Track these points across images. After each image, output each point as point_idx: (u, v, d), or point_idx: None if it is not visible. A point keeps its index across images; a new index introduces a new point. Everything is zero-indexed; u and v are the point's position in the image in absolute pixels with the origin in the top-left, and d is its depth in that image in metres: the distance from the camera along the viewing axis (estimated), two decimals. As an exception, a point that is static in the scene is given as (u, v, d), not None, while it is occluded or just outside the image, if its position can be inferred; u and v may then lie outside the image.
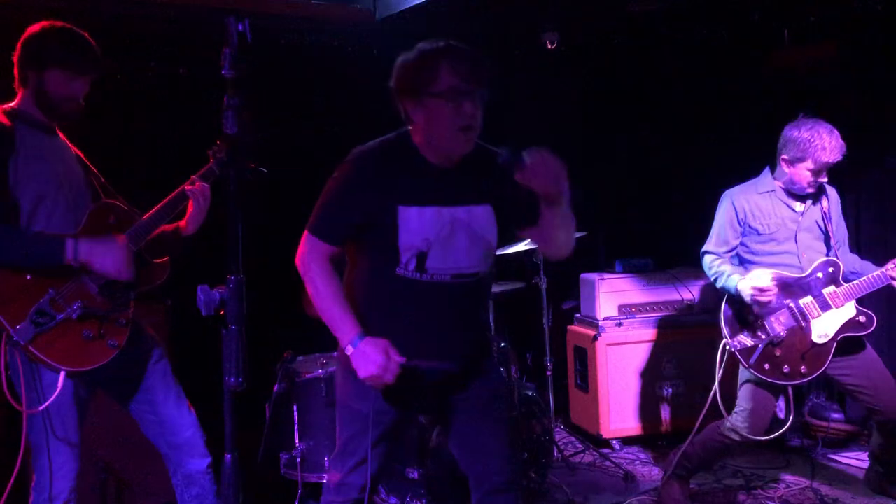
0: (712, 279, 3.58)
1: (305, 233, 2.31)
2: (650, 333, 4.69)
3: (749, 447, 4.27)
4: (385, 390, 2.30)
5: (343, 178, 2.28)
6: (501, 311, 4.28)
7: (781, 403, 4.43)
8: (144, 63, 4.38)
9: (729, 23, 4.80)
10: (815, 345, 3.41)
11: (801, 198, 3.52)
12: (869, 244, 4.47)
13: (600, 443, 4.60)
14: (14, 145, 2.44)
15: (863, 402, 3.52)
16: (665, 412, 4.65)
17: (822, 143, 3.32)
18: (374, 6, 4.56)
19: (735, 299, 3.47)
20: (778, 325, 3.42)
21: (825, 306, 3.42)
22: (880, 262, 3.49)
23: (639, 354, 4.67)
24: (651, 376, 4.67)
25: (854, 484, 3.90)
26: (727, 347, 3.44)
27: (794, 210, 3.52)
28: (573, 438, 4.65)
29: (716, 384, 3.45)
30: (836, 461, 4.27)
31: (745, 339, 3.43)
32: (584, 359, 4.77)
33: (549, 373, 4.54)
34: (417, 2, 4.32)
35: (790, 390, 3.50)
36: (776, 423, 3.54)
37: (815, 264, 3.47)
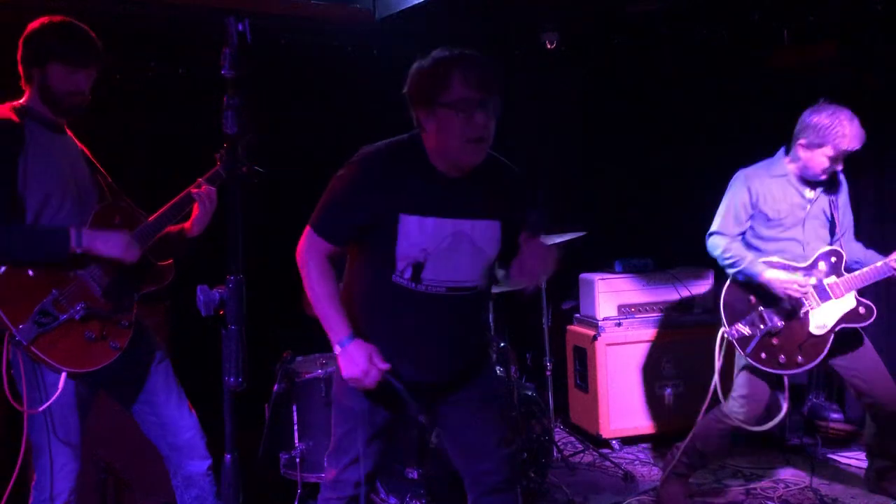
0: (725, 262, 3.49)
1: (308, 228, 2.30)
2: (650, 333, 4.69)
3: (748, 445, 4.29)
4: (377, 390, 2.29)
5: (349, 177, 2.26)
6: (501, 311, 4.28)
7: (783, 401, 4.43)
8: (144, 63, 4.38)
9: (729, 23, 4.80)
10: (812, 335, 3.43)
11: (812, 184, 3.49)
12: (868, 244, 4.46)
13: (600, 443, 4.61)
14: (23, 143, 2.44)
15: (856, 389, 3.54)
16: (664, 412, 4.65)
17: (842, 129, 3.29)
18: (373, 6, 4.56)
19: (736, 287, 3.48)
20: (776, 314, 3.43)
21: (825, 297, 3.43)
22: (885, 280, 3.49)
23: (638, 354, 4.67)
24: (650, 376, 4.67)
25: (853, 483, 3.90)
26: (725, 335, 3.45)
27: (804, 196, 3.49)
28: (573, 438, 4.65)
29: (715, 374, 3.45)
30: (836, 461, 4.27)
31: (743, 328, 3.44)
32: (584, 359, 4.78)
33: (548, 373, 4.54)
34: (417, 2, 4.32)
35: (786, 380, 3.50)
36: (773, 414, 3.55)
37: (818, 253, 3.47)
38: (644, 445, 4.66)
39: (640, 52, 5.28)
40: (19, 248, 2.40)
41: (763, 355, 3.42)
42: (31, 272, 2.42)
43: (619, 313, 4.70)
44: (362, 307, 2.34)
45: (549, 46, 5.15)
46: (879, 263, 3.42)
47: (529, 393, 3.90)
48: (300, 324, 3.25)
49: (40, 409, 2.43)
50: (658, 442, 4.62)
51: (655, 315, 4.72)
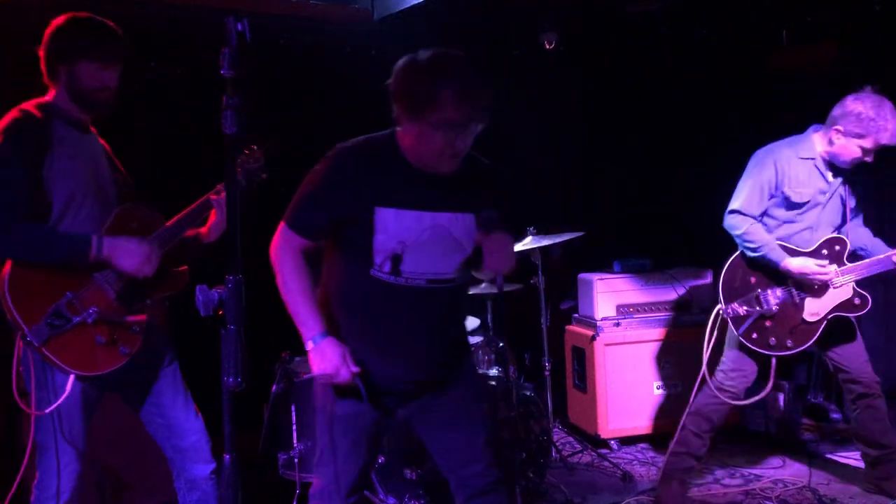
0: (745, 245, 3.47)
1: (281, 224, 2.29)
2: (648, 333, 4.69)
3: (746, 445, 4.30)
4: (356, 394, 2.27)
5: (323, 172, 2.26)
6: (500, 311, 4.28)
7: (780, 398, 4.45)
8: (144, 63, 4.38)
9: (728, 23, 4.80)
10: (804, 322, 3.47)
11: (835, 169, 3.46)
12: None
13: (598, 443, 4.61)
14: (50, 142, 2.44)
15: (833, 364, 3.62)
16: (663, 412, 4.65)
17: (885, 124, 3.25)
18: (372, 6, 4.56)
19: (737, 267, 3.51)
20: (773, 298, 3.47)
21: (820, 287, 3.45)
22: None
23: (637, 354, 4.67)
24: (649, 376, 4.67)
25: (851, 483, 3.90)
26: (720, 313, 3.48)
27: (826, 181, 3.46)
28: (571, 438, 4.66)
29: (707, 350, 3.51)
30: (834, 460, 4.28)
31: (739, 308, 3.47)
32: (583, 359, 4.78)
33: (547, 373, 4.53)
34: (415, 2, 4.32)
35: (774, 360, 3.53)
36: (757, 389, 3.61)
37: (821, 241, 3.49)
38: (642, 445, 4.66)
39: (640, 52, 5.29)
40: (38, 250, 2.40)
41: (754, 335, 3.48)
42: (46, 273, 2.42)
43: (618, 313, 4.71)
44: (340, 305, 2.32)
45: (547, 46, 5.16)
46: (882, 256, 3.44)
47: (528, 393, 3.91)
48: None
49: (47, 410, 2.43)
50: (656, 442, 4.62)
51: (654, 315, 4.73)
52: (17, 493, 2.65)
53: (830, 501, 3.73)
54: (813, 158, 3.46)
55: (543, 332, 4.52)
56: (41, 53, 2.53)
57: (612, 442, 4.64)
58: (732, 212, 3.49)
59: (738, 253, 3.55)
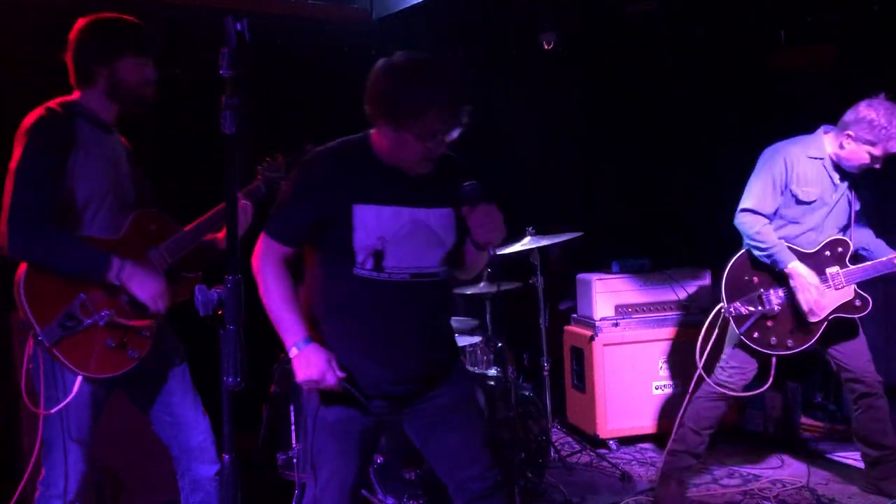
0: (754, 243, 3.46)
1: (262, 234, 2.30)
2: (647, 334, 4.69)
3: (745, 445, 4.30)
4: (347, 399, 2.27)
5: (299, 177, 2.28)
6: (498, 312, 4.28)
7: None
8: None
9: (728, 23, 4.81)
10: (805, 322, 3.49)
11: (842, 172, 3.48)
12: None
13: (597, 443, 4.61)
14: (74, 142, 2.43)
15: (836, 362, 3.62)
16: (661, 412, 4.65)
17: None
18: (370, 6, 4.57)
19: (740, 267, 3.52)
20: (775, 298, 3.48)
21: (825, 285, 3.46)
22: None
23: (635, 354, 4.67)
24: (647, 376, 4.67)
25: (850, 483, 3.90)
26: (722, 311, 3.49)
27: (834, 182, 3.48)
28: (570, 438, 4.66)
29: (699, 346, 3.55)
30: (833, 460, 4.28)
31: (741, 307, 3.48)
32: (581, 359, 4.78)
33: (545, 373, 4.54)
34: (414, 2, 4.33)
35: (774, 359, 3.54)
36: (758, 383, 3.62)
37: (824, 242, 3.50)
38: (641, 445, 4.66)
39: (639, 52, 5.29)
40: (59, 256, 2.40)
41: (756, 335, 3.49)
42: (60, 275, 2.42)
43: (617, 313, 4.71)
44: (325, 309, 2.31)
45: (546, 47, 5.16)
46: (884, 259, 3.46)
47: (527, 393, 3.90)
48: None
49: (53, 409, 2.42)
50: (655, 442, 4.62)
51: (652, 315, 4.73)
52: (14, 491, 2.65)
53: (829, 501, 3.73)
54: (822, 158, 3.47)
55: (542, 333, 4.52)
56: (70, 58, 2.52)
57: (611, 442, 4.64)
58: (745, 210, 3.47)
59: (741, 252, 3.56)
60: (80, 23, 2.53)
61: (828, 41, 4.63)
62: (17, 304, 2.39)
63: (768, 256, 3.45)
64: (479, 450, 2.40)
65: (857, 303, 3.50)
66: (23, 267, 2.41)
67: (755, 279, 3.52)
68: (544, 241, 4.22)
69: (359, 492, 2.44)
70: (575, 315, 4.97)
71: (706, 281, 4.78)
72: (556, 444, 4.43)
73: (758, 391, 3.63)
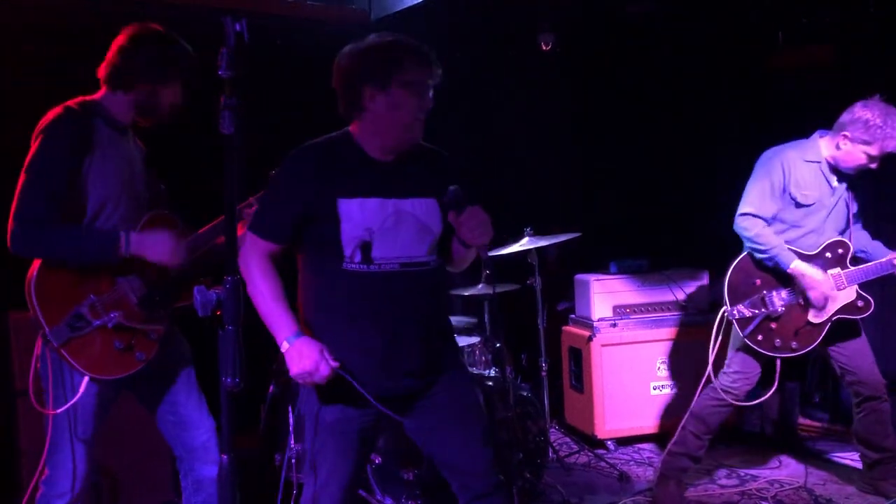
0: (755, 246, 3.47)
1: (248, 233, 2.31)
2: (645, 334, 4.69)
3: (742, 445, 4.30)
4: (344, 397, 2.26)
5: (280, 174, 2.30)
6: (496, 312, 4.28)
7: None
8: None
9: (728, 24, 4.81)
10: (809, 323, 3.50)
11: (839, 174, 3.50)
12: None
13: (595, 443, 4.61)
14: (91, 143, 2.44)
15: (840, 366, 3.63)
16: (660, 412, 4.65)
17: (893, 132, 3.29)
18: (369, 7, 4.57)
19: (742, 269, 3.52)
20: (778, 300, 3.49)
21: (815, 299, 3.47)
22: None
23: (633, 355, 4.67)
24: (645, 377, 4.67)
25: (848, 483, 3.91)
26: (726, 315, 3.50)
27: (831, 185, 3.50)
28: (568, 439, 4.66)
29: (712, 352, 3.53)
30: (830, 461, 4.29)
31: (744, 310, 3.49)
32: (579, 359, 4.78)
33: (544, 373, 4.54)
34: (413, 2, 4.33)
35: (779, 363, 3.55)
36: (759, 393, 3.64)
37: (825, 244, 3.51)
38: (639, 446, 4.66)
39: (637, 52, 5.29)
40: (68, 248, 2.40)
41: (760, 337, 3.49)
42: (72, 275, 2.42)
43: (615, 314, 4.71)
44: (318, 309, 2.31)
45: (544, 48, 5.17)
46: (883, 260, 3.48)
47: (525, 393, 3.91)
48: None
49: (60, 409, 2.43)
50: (653, 442, 4.63)
51: (650, 316, 4.73)
52: (14, 490, 2.65)
53: (826, 502, 3.74)
54: (818, 162, 3.49)
55: (540, 333, 4.52)
56: (115, 58, 2.52)
57: (609, 442, 4.65)
58: (744, 214, 3.49)
59: (743, 255, 3.56)
60: (139, 30, 2.55)
61: (827, 41, 4.63)
62: (27, 303, 2.40)
63: (770, 259, 3.46)
64: (481, 449, 2.40)
65: (860, 303, 3.51)
66: (35, 265, 2.41)
67: (757, 281, 3.52)
68: (542, 242, 4.23)
69: (357, 489, 2.44)
70: (573, 315, 4.97)
71: (704, 281, 4.79)
72: (554, 444, 4.43)
73: (761, 399, 3.64)
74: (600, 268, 4.92)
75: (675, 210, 5.30)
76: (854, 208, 3.57)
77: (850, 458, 4.16)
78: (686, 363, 4.64)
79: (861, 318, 3.57)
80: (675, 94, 5.32)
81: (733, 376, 3.58)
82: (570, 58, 5.46)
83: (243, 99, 1.76)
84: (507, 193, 4.88)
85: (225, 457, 1.79)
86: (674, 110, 5.34)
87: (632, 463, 4.41)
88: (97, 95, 2.55)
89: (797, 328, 3.50)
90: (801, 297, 3.49)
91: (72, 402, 2.43)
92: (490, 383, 3.75)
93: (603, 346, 4.63)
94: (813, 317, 3.49)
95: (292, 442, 3.57)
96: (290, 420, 3.59)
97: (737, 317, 3.49)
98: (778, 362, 3.55)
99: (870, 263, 3.49)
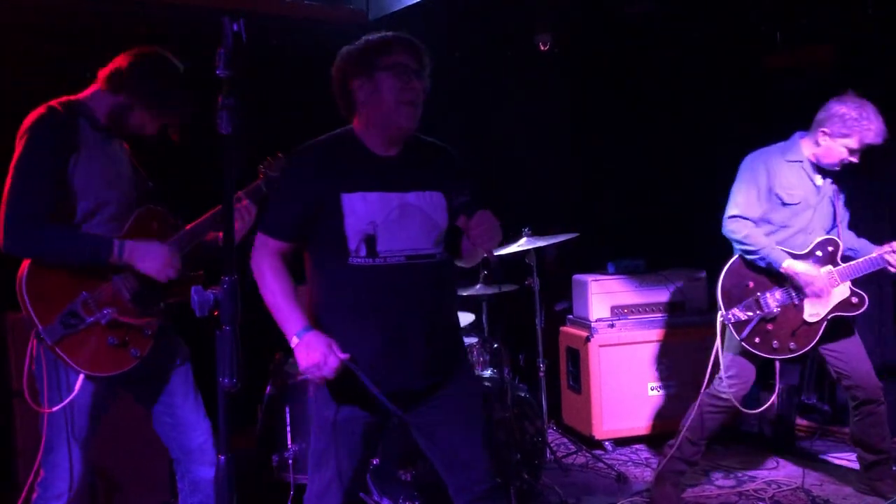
0: (744, 248, 3.50)
1: (257, 232, 2.33)
2: (642, 334, 4.69)
3: (740, 445, 4.31)
4: (352, 397, 2.27)
5: (287, 173, 2.35)
6: (494, 312, 4.28)
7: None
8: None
9: (727, 24, 4.81)
10: (805, 323, 3.51)
11: (823, 172, 3.53)
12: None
13: (593, 444, 4.61)
14: (77, 143, 2.43)
15: (836, 370, 3.63)
16: (657, 413, 4.65)
17: (868, 123, 3.35)
18: (367, 7, 4.57)
19: (734, 273, 3.53)
20: (773, 301, 3.49)
21: (813, 293, 3.48)
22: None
23: (631, 355, 4.67)
24: (643, 377, 4.67)
25: (845, 484, 3.91)
26: (722, 319, 3.50)
27: (815, 184, 3.54)
28: (566, 440, 4.66)
29: (712, 355, 3.54)
30: (828, 461, 4.29)
31: (740, 313, 3.49)
32: (577, 360, 4.78)
33: (541, 374, 4.54)
34: (411, 2, 4.33)
35: (777, 364, 3.57)
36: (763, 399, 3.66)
37: (815, 242, 3.53)
38: (637, 446, 4.66)
39: (636, 52, 5.29)
40: (61, 251, 2.40)
41: (757, 340, 3.49)
42: (64, 272, 2.41)
43: (612, 314, 4.71)
44: (327, 307, 2.32)
45: (542, 48, 5.16)
46: (874, 255, 3.50)
47: (522, 394, 3.90)
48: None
49: (55, 408, 2.42)
50: (651, 443, 4.63)
51: (648, 316, 4.73)
52: (12, 491, 2.64)
53: (823, 502, 3.74)
54: (801, 161, 3.53)
55: (538, 333, 4.53)
56: (125, 60, 2.52)
57: (607, 443, 4.65)
58: (732, 217, 3.52)
59: (734, 258, 3.57)
60: (166, 52, 2.57)
61: (826, 41, 4.64)
62: (19, 302, 2.39)
63: (762, 259, 3.47)
64: (481, 452, 2.41)
65: (854, 300, 3.52)
66: (25, 264, 2.40)
67: (750, 284, 3.53)
68: (540, 242, 4.23)
69: (359, 488, 2.45)
70: (571, 316, 4.97)
71: (702, 282, 4.79)
72: (551, 445, 4.43)
73: (764, 406, 3.67)
74: (598, 268, 4.93)
75: (673, 210, 5.30)
76: (840, 206, 3.59)
77: (848, 459, 4.17)
78: (684, 364, 4.64)
79: (856, 315, 3.57)
80: (674, 95, 5.32)
81: (729, 381, 3.57)
82: (568, 58, 5.45)
83: (241, 99, 1.76)
84: (506, 194, 4.88)
85: (223, 457, 1.78)
86: (672, 111, 5.34)
87: (629, 464, 4.41)
88: (82, 95, 2.54)
89: (794, 328, 3.51)
90: (796, 297, 3.50)
91: (67, 400, 2.42)
92: (488, 384, 3.75)
93: (601, 346, 4.63)
94: (809, 316, 3.50)
95: (290, 442, 3.57)
96: (288, 420, 3.59)
97: (732, 321, 3.49)
98: (777, 364, 3.56)
99: (860, 259, 3.51)
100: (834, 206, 3.57)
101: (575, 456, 4.47)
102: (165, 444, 2.73)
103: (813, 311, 3.50)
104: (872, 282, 4.47)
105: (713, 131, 5.14)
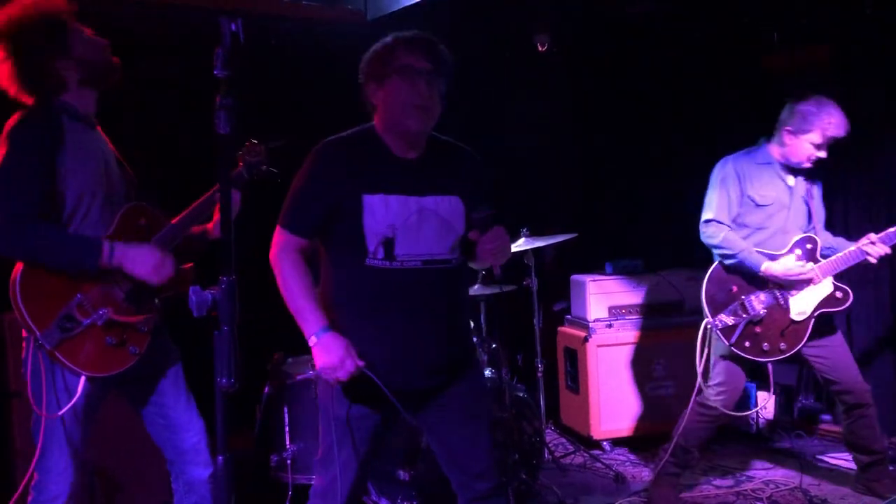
0: (721, 252, 3.54)
1: (277, 227, 2.33)
2: (640, 335, 4.70)
3: (739, 446, 4.31)
4: (363, 396, 2.28)
5: (309, 168, 2.32)
6: (492, 313, 4.28)
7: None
8: (137, 63, 4.36)
9: (726, 24, 4.82)
10: (793, 322, 3.52)
11: (794, 172, 3.59)
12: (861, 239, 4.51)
13: (591, 444, 4.61)
14: (62, 140, 2.41)
15: (823, 376, 3.64)
16: (655, 413, 4.65)
17: (828, 117, 3.41)
18: (365, 7, 4.56)
19: (717, 278, 3.55)
20: (758, 303, 3.51)
21: (803, 283, 3.49)
22: (872, 266, 3.57)
23: (629, 356, 4.68)
24: (641, 377, 4.68)
25: (842, 484, 3.91)
26: (709, 326, 3.50)
27: (787, 184, 3.59)
28: (564, 440, 4.66)
29: (699, 364, 3.54)
30: (825, 462, 4.30)
31: (727, 318, 3.50)
32: (575, 360, 4.78)
33: (539, 374, 4.54)
34: (409, 3, 4.33)
35: (770, 367, 3.58)
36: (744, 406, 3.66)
37: (794, 241, 3.57)
38: (635, 447, 4.66)
39: (634, 53, 5.29)
40: (50, 253, 2.37)
41: (747, 344, 3.50)
42: (56, 275, 2.39)
43: (610, 315, 4.71)
44: (341, 305, 2.32)
45: (540, 49, 5.16)
46: (852, 248, 3.52)
47: (520, 394, 3.91)
48: (291, 325, 3.24)
49: (60, 412, 2.40)
50: (649, 443, 4.62)
51: (646, 316, 4.73)
52: (11, 490, 2.64)
53: (821, 502, 3.75)
54: (770, 163, 3.60)
55: (536, 334, 4.53)
56: (20, 70, 2.44)
57: (605, 443, 4.65)
58: (707, 222, 3.57)
59: (714, 265, 3.61)
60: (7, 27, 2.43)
61: (824, 42, 4.65)
62: (12, 307, 2.37)
63: (741, 262, 3.50)
64: (485, 450, 2.43)
65: (839, 294, 3.54)
66: (18, 268, 2.38)
67: (734, 288, 3.55)
68: (539, 243, 4.23)
69: (366, 484, 2.46)
70: (569, 316, 4.98)
71: (700, 282, 4.78)
72: (549, 445, 4.43)
73: (760, 408, 3.66)
74: (596, 268, 4.93)
75: (671, 211, 5.30)
76: (815, 205, 3.63)
77: (845, 459, 4.17)
78: (682, 364, 4.63)
79: (842, 310, 3.58)
80: (673, 95, 5.32)
81: (717, 388, 3.58)
82: (568, 58, 5.45)
83: (239, 99, 1.76)
84: (504, 194, 4.88)
85: (221, 458, 1.78)
86: (671, 111, 5.34)
87: (627, 464, 4.42)
88: (57, 97, 2.51)
89: (782, 329, 3.51)
90: (781, 297, 3.51)
91: (71, 403, 2.41)
92: (486, 384, 3.75)
93: (599, 346, 4.63)
94: (796, 315, 3.52)
95: (288, 442, 3.57)
96: (286, 421, 3.59)
97: (720, 326, 3.50)
98: (770, 367, 3.56)
99: (840, 254, 3.53)
100: (808, 205, 3.61)
101: (573, 456, 4.47)
102: (159, 445, 2.71)
103: (800, 310, 3.51)
104: (870, 283, 4.49)
105: (712, 131, 5.14)
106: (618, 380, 4.65)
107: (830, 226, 3.92)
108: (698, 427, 3.62)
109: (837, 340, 3.64)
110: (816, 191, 3.67)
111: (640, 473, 4.25)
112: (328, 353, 2.21)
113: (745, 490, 3.92)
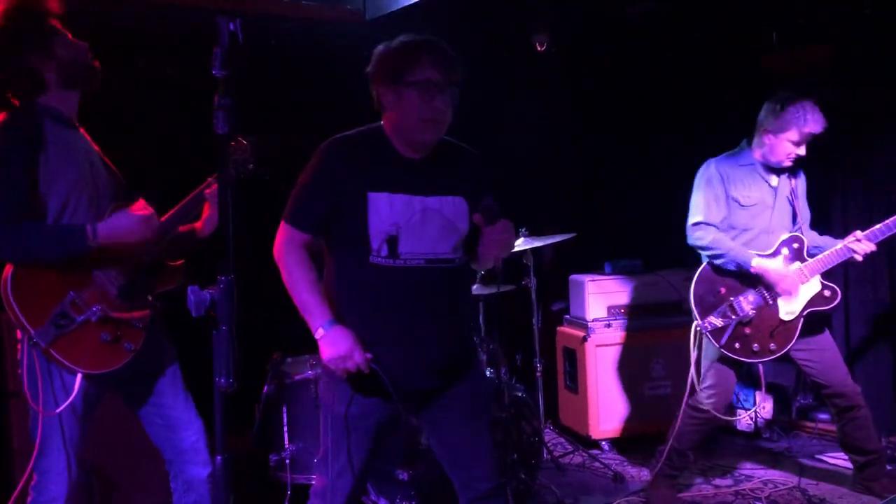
0: (710, 253, 3.54)
1: (282, 223, 2.33)
2: (639, 335, 4.70)
3: (737, 446, 4.30)
4: (366, 393, 2.29)
5: (316, 164, 2.33)
6: (491, 313, 4.28)
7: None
8: (135, 62, 4.36)
9: (726, 25, 4.82)
10: (782, 322, 3.52)
11: (776, 172, 3.61)
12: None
13: (590, 444, 4.61)
14: (43, 141, 2.41)
15: (813, 379, 3.65)
16: (654, 413, 4.65)
17: (804, 114, 3.43)
18: (364, 7, 4.56)
19: (705, 280, 3.56)
20: (746, 304, 3.51)
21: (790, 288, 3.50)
22: (870, 264, 3.57)
23: (628, 355, 4.68)
24: (640, 377, 4.68)
25: (841, 484, 3.91)
26: (698, 329, 3.50)
27: (770, 184, 3.61)
28: (562, 439, 4.66)
29: (692, 367, 3.54)
30: (823, 461, 4.30)
31: (716, 320, 3.51)
32: (574, 360, 4.78)
33: (538, 374, 4.54)
34: (408, 3, 4.33)
35: (761, 368, 3.57)
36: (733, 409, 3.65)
37: (780, 241, 3.57)
38: (634, 446, 4.66)
39: (634, 53, 5.29)
40: (37, 249, 2.37)
41: (737, 345, 3.50)
42: (48, 273, 2.40)
43: (609, 314, 4.71)
44: (344, 301, 2.32)
45: (539, 49, 5.16)
46: (839, 246, 3.53)
47: (519, 394, 3.91)
48: (290, 325, 3.25)
49: (57, 410, 2.40)
50: (648, 443, 4.61)
51: (645, 316, 4.73)
52: (10, 490, 2.64)
53: (819, 502, 3.75)
54: (752, 164, 3.62)
55: (535, 333, 4.53)
56: (23, 59, 2.45)
57: (604, 443, 4.65)
58: (695, 224, 3.57)
59: (702, 266, 3.61)
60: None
61: (824, 42, 4.65)
62: (5, 306, 2.36)
63: (730, 262, 3.50)
64: (487, 451, 2.44)
65: (827, 293, 3.54)
66: (8, 268, 2.38)
67: (722, 290, 3.55)
68: (537, 243, 4.23)
69: (367, 482, 2.46)
70: (567, 316, 4.98)
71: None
72: (548, 444, 4.43)
73: (758, 408, 3.66)
74: (595, 268, 4.93)
75: (670, 211, 5.30)
76: (800, 205, 3.64)
77: (843, 458, 4.16)
78: (680, 364, 4.60)
79: (830, 309, 3.58)
80: (674, 95, 5.32)
81: (708, 391, 3.59)
82: (567, 58, 5.45)
83: (238, 98, 1.76)
84: (503, 194, 4.88)
85: (219, 457, 1.78)
86: (671, 111, 5.34)
87: (626, 463, 4.42)
88: (38, 99, 2.50)
89: (771, 329, 3.51)
90: (769, 297, 3.51)
91: (69, 401, 2.41)
92: (487, 385, 3.75)
93: (597, 346, 4.63)
94: (785, 315, 3.52)
95: (287, 442, 3.57)
96: (285, 420, 3.59)
97: (709, 328, 3.50)
98: (760, 368, 3.57)
99: (827, 252, 3.53)
100: (793, 204, 3.62)
101: (572, 456, 4.47)
102: (157, 445, 2.71)
103: (788, 310, 3.51)
104: (868, 282, 4.49)
105: (712, 131, 5.14)
106: (616, 380, 4.65)
107: (829, 226, 3.93)
108: (691, 430, 3.63)
109: (827, 341, 3.64)
110: (801, 190, 3.68)
111: (639, 473, 4.25)
112: (336, 345, 2.22)
113: (744, 489, 3.92)
